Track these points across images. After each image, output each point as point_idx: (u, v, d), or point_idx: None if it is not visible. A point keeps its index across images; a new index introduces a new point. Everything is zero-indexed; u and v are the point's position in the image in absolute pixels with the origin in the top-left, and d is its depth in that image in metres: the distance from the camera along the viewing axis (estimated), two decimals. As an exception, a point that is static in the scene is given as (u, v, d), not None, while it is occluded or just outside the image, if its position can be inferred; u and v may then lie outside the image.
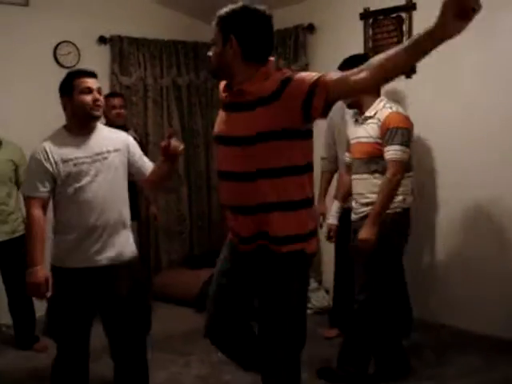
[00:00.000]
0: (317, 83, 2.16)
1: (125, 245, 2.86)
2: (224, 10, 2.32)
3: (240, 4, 2.31)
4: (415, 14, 4.26)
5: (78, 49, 4.83)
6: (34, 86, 4.51)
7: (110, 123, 4.24)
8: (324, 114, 2.22)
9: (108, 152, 2.82)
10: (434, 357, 3.71)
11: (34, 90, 4.47)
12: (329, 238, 3.88)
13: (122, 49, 5.07)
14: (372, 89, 2.93)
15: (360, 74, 2.08)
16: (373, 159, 3.23)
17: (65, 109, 2.82)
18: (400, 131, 3.12)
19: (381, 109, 3.22)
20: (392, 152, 3.11)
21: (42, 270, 2.70)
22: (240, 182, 2.33)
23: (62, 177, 2.73)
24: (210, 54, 2.38)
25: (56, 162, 2.73)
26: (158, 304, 4.92)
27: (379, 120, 3.18)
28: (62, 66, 4.73)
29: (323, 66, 4.57)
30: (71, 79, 2.78)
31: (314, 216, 2.47)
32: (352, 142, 3.40)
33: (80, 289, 2.78)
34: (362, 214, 3.28)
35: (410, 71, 4.27)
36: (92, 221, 2.75)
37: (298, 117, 2.21)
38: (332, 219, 3.78)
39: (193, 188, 5.64)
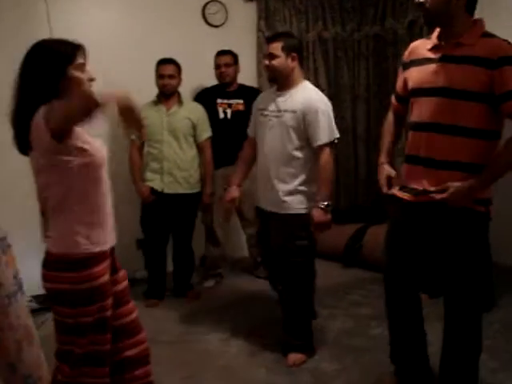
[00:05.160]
0: None
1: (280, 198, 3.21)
2: None
3: None
4: None
5: (225, 7, 4.91)
6: (185, 45, 4.64)
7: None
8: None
9: (285, 111, 3.15)
10: None
11: (184, 50, 4.56)
12: None
13: (268, 5, 5.07)
14: None
15: None
16: None
17: None
18: None
19: None
20: None
21: None
22: (441, 135, 2.39)
23: (255, 123, 3.34)
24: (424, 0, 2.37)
25: (256, 109, 3.34)
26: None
27: None
28: (210, 24, 4.86)
29: None
30: None
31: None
32: None
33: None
34: None
35: None
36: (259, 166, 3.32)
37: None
38: None
39: (339, 143, 5.55)
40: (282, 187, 3.16)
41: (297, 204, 3.15)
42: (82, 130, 2.00)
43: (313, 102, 3.12)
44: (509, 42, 2.34)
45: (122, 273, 2.29)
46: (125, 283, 2.30)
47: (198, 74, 4.56)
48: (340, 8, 5.40)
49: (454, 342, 2.55)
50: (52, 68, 1.97)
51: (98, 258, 2.07)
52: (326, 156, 3.12)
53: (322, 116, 3.10)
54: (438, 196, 2.35)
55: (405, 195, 2.55)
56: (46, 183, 2.02)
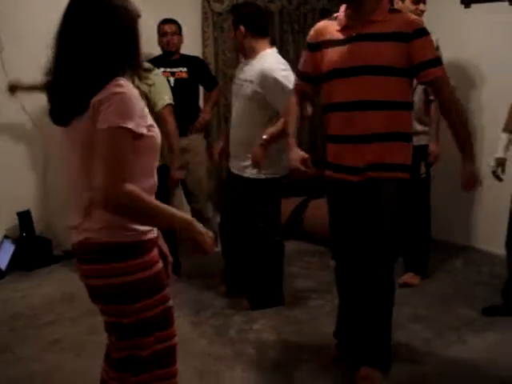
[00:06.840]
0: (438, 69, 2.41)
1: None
2: None
3: None
4: None
5: (169, -24, 4.78)
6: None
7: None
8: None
9: (245, 80, 3.27)
10: None
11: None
12: (496, 175, 3.36)
13: (213, -26, 4.99)
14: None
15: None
16: None
17: None
18: None
19: None
20: None
21: None
22: (370, 111, 2.47)
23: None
24: None
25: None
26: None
27: None
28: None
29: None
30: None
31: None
32: None
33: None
34: None
35: None
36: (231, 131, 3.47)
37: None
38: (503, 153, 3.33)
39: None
40: (243, 151, 3.32)
41: (253, 169, 3.30)
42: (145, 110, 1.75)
43: (267, 71, 3.18)
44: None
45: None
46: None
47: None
48: (287, -20, 5.36)
49: (364, 295, 2.63)
50: (126, 26, 1.74)
51: (147, 245, 1.80)
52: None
53: (278, 84, 3.16)
54: (467, 189, 2.52)
55: (338, 174, 2.63)
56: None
